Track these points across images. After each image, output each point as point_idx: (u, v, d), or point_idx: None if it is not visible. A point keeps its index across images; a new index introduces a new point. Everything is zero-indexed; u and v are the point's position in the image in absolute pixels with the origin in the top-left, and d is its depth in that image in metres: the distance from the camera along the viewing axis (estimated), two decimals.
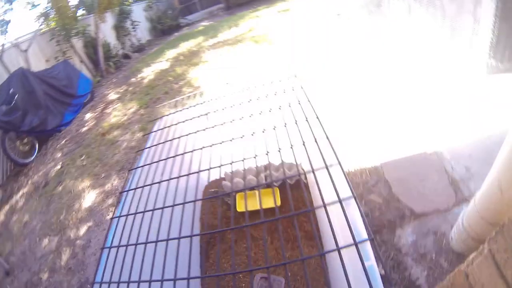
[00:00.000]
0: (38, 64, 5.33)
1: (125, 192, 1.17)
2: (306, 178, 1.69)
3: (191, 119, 1.44)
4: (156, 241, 1.02)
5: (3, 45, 4.80)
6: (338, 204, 0.87)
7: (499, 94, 2.18)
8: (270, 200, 1.62)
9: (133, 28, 9.49)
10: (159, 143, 1.35)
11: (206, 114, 1.43)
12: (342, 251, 0.86)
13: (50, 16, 6.34)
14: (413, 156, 1.92)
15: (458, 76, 2.52)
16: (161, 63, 5.46)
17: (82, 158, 3.33)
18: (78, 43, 6.96)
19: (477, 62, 2.40)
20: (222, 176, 1.75)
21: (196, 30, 8.27)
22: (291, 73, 1.49)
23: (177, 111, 1.48)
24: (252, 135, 1.34)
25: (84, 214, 2.43)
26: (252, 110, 1.45)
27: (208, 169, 1.33)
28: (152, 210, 1.12)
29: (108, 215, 2.33)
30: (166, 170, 1.36)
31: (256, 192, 1.64)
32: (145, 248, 0.99)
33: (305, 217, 1.55)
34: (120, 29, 9.00)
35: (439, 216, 1.52)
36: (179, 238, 1.04)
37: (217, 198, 1.68)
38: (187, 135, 1.43)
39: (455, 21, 2.55)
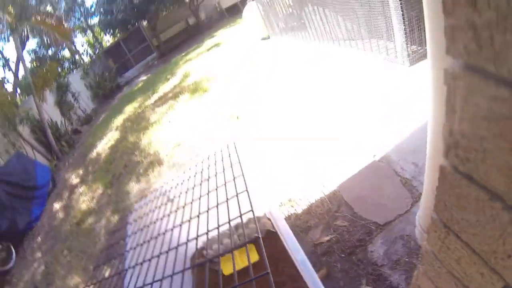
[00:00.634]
0: None
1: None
2: (274, 227, 1.85)
3: (158, 206, 1.70)
4: None
5: None
6: None
7: (424, 82, 2.15)
8: (251, 256, 1.73)
9: (75, 100, 9.54)
10: (138, 231, 1.58)
11: (170, 201, 1.70)
12: None
13: None
14: (364, 169, 1.99)
15: (384, 73, 2.70)
16: (112, 133, 5.60)
17: (65, 253, 3.36)
18: (25, 130, 6.91)
19: (398, 54, 2.57)
20: (200, 245, 1.98)
21: (136, 88, 8.48)
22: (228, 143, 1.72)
23: (143, 201, 1.71)
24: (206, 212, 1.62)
25: None
26: (204, 189, 1.73)
27: (186, 242, 1.57)
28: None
29: None
30: (148, 252, 1.60)
31: (236, 253, 1.83)
32: None
33: (285, 262, 1.62)
34: (63, 104, 9.01)
35: (402, 220, 1.61)
36: None
37: (203, 267, 1.89)
38: (154, 222, 1.69)
39: (370, 21, 2.78)
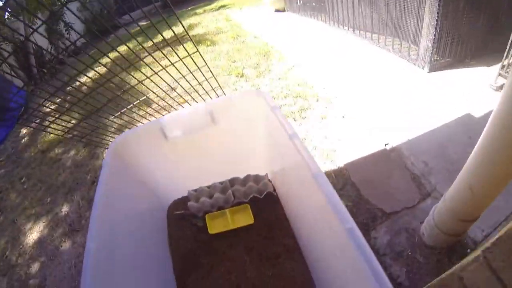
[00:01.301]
0: None
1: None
2: (275, 190, 1.69)
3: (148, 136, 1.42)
4: None
5: None
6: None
7: (442, 89, 2.33)
8: (242, 218, 1.60)
9: (67, 31, 8.93)
10: (116, 167, 1.28)
11: (164, 134, 1.42)
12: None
13: None
14: (374, 154, 1.95)
15: (402, 73, 2.68)
16: (100, 68, 5.18)
17: (23, 180, 3.06)
18: (6, 49, 6.38)
19: (420, 58, 2.58)
20: (185, 194, 1.74)
21: (134, 30, 7.95)
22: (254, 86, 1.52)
23: (129, 130, 1.40)
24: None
25: (33, 247, 2.20)
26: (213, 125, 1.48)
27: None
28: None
29: (61, 246, 2.12)
30: (128, 193, 1.33)
31: (227, 211, 1.63)
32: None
33: (282, 231, 1.53)
34: (52, 32, 8.41)
35: (408, 213, 1.58)
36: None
37: (185, 221, 1.65)
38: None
39: (400, 19, 2.74)
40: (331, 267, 1.01)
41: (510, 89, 0.77)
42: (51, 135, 3.64)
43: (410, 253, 1.41)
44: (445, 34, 2.35)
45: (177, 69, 1.72)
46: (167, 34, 5.89)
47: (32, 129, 4.15)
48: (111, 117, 3.34)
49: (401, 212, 1.59)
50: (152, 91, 1.92)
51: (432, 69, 2.54)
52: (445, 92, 2.31)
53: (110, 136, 2.14)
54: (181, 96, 2.01)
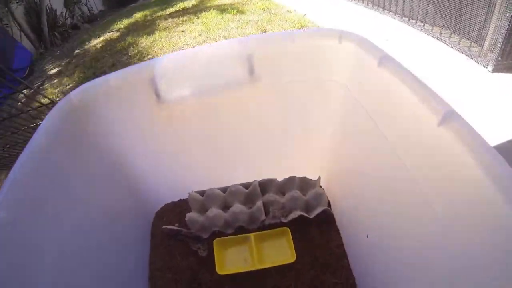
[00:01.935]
0: None
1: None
2: (330, 204, 1.07)
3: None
4: None
5: None
6: None
7: (509, 94, 1.93)
8: (276, 252, 0.97)
9: None
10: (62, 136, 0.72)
11: (156, 92, 0.81)
12: None
13: None
14: None
15: (463, 70, 2.21)
16: (111, 33, 4.68)
17: (7, 147, 2.62)
18: (18, 9, 5.91)
19: (483, 54, 2.15)
20: (184, 197, 1.13)
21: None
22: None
23: (95, 80, 0.79)
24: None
25: None
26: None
27: None
28: None
29: None
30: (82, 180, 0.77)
31: (251, 237, 0.98)
32: None
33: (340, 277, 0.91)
34: None
35: None
36: None
37: (180, 242, 1.02)
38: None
39: (463, 10, 2.27)
40: None
41: None
42: (45, 100, 3.16)
43: None
44: None
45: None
46: (189, 3, 5.33)
47: (30, 91, 3.72)
48: None
49: None
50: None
51: (497, 69, 2.05)
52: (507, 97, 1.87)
53: None
54: None
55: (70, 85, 3.26)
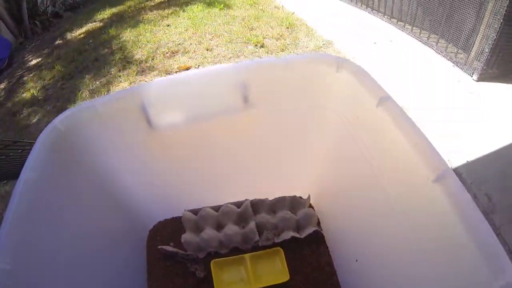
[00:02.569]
0: None
1: None
2: (319, 223, 1.10)
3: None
4: None
5: None
6: None
7: (495, 103, 1.97)
8: (270, 271, 1.01)
9: None
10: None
11: (147, 119, 0.78)
12: None
13: None
14: None
15: (448, 77, 2.24)
16: (94, 23, 4.54)
17: None
18: None
19: (469, 62, 2.18)
20: (176, 215, 1.13)
21: None
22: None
23: (81, 105, 0.77)
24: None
25: None
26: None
27: None
28: None
29: None
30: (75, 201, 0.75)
31: (247, 258, 1.00)
32: None
33: None
34: None
35: None
36: None
37: (176, 263, 1.02)
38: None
39: (452, 16, 2.29)
40: None
41: None
42: (26, 94, 3.06)
43: None
44: (504, 43, 1.91)
45: None
46: None
47: (10, 84, 3.60)
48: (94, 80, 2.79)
49: None
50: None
51: (482, 78, 2.08)
52: (500, 106, 1.90)
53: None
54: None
55: (52, 80, 3.15)
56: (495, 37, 1.85)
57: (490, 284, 0.39)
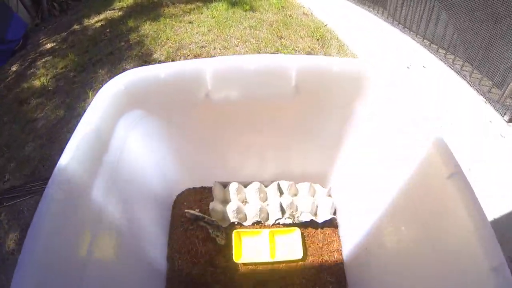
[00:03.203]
0: None
1: None
2: (335, 213, 1.26)
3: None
4: None
5: None
6: None
7: None
8: (287, 248, 1.16)
9: None
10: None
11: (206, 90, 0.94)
12: None
13: None
14: None
15: (476, 114, 2.06)
16: (113, 11, 4.44)
17: None
18: None
19: (502, 101, 1.96)
20: (205, 184, 1.28)
21: None
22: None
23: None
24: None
25: None
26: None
27: None
28: None
29: None
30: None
31: (267, 233, 1.16)
32: None
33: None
34: None
35: None
36: None
37: (200, 227, 1.13)
38: None
39: (491, 45, 2.04)
40: None
41: None
42: (36, 81, 2.96)
43: None
44: None
45: None
46: None
47: (22, 67, 3.52)
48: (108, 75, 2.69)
49: None
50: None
51: None
52: None
53: None
54: None
55: (64, 70, 3.05)
56: None
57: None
